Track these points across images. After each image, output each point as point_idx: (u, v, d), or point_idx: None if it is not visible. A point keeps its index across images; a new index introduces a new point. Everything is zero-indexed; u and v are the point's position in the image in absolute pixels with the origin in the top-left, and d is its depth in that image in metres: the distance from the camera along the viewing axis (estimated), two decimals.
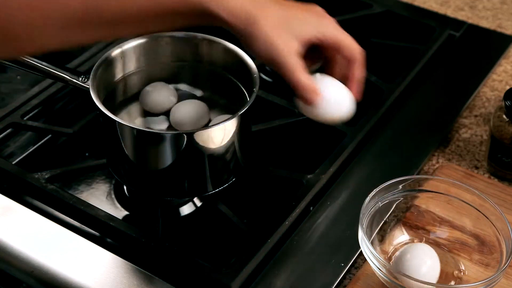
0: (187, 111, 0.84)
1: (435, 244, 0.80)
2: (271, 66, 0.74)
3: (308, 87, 0.75)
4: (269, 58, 0.73)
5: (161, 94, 0.85)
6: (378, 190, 0.79)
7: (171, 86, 0.87)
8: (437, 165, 0.93)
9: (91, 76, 0.81)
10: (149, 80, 0.88)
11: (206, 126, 0.83)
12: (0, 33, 0.63)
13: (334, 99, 0.77)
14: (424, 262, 0.75)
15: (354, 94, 0.78)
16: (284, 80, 0.74)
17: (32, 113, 0.96)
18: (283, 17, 0.73)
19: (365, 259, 0.77)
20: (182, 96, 0.87)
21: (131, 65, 0.87)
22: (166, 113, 0.85)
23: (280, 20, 0.72)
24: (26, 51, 0.74)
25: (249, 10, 0.71)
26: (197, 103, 0.85)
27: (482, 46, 1.12)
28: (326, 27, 0.75)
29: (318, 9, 0.77)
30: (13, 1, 0.62)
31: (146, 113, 0.86)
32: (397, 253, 0.77)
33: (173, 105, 0.85)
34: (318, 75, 0.78)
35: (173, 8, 0.69)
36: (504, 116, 0.89)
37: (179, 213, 0.87)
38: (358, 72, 0.77)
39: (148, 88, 0.86)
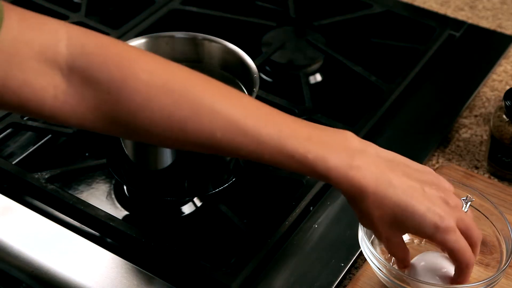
0: None
1: (435, 244, 0.80)
2: None
3: (400, 261, 0.73)
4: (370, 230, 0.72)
5: None
6: None
7: None
8: (437, 165, 0.93)
9: None
10: None
11: None
12: (126, 123, 0.65)
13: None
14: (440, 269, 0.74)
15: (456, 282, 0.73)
16: None
17: None
18: (396, 214, 0.67)
19: (365, 259, 0.77)
20: None
21: None
22: None
23: (391, 217, 0.67)
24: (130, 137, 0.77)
25: (364, 191, 0.66)
26: None
27: (482, 46, 1.12)
28: (439, 232, 0.67)
29: (453, 200, 0.68)
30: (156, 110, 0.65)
31: None
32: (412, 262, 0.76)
33: None
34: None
35: (296, 169, 0.67)
36: (504, 116, 0.89)
37: (179, 213, 0.87)
38: (461, 277, 0.71)
39: None
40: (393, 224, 0.68)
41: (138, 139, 0.71)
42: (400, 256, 0.73)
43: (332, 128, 0.70)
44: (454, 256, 0.69)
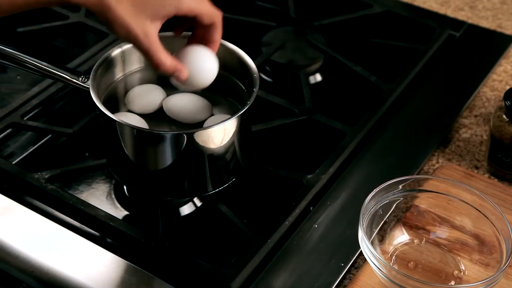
0: (184, 103, 0.84)
1: (435, 244, 0.80)
2: (134, 47, 0.75)
3: (171, 68, 0.77)
4: (129, 41, 0.74)
5: (149, 95, 0.85)
6: (378, 190, 0.79)
7: (159, 88, 0.86)
8: (437, 165, 0.93)
9: (91, 76, 0.81)
10: (149, 80, 0.87)
11: (206, 126, 0.83)
12: None
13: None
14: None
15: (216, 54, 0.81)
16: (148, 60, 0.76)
17: (32, 113, 0.96)
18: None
19: (365, 259, 0.77)
20: None
21: (131, 65, 0.87)
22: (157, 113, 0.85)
23: (134, 2, 0.72)
24: None
25: None
26: (196, 96, 0.85)
27: (482, 46, 1.13)
28: (182, 2, 0.74)
29: None
30: None
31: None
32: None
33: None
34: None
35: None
36: (504, 116, 0.89)
37: (179, 213, 0.87)
38: (218, 35, 0.79)
39: (135, 89, 0.86)
40: (138, 10, 0.72)
41: None
42: (170, 65, 0.76)
43: None
44: (206, 17, 0.76)
